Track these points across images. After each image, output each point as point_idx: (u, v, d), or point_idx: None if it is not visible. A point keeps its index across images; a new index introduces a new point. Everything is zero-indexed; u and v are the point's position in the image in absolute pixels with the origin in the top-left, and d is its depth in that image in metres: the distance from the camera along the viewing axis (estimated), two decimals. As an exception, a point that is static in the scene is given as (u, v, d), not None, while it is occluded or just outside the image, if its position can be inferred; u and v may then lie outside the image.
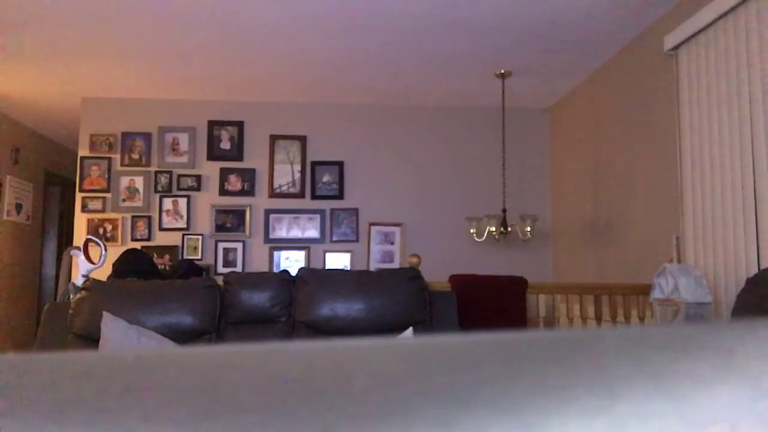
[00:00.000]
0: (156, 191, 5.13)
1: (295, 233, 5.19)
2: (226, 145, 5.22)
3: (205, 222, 5.14)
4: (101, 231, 5.02)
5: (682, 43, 3.23)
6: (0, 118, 5.58)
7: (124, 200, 5.10)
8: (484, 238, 4.43)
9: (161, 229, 5.09)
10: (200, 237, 5.09)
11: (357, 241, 5.21)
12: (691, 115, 3.16)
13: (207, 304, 2.77)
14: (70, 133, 6.12)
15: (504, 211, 4.38)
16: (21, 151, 5.97)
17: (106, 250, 3.37)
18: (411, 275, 2.97)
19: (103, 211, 5.07)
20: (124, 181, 5.12)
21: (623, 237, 4.10)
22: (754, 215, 2.69)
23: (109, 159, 5.13)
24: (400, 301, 2.83)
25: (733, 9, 2.81)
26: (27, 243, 6.15)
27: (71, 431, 0.25)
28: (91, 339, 2.62)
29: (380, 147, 5.34)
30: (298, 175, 5.25)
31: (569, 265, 5.03)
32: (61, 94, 5.07)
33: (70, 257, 3.48)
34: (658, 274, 2.89)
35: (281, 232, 5.17)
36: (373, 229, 5.21)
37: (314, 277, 2.91)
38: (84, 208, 5.07)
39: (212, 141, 5.22)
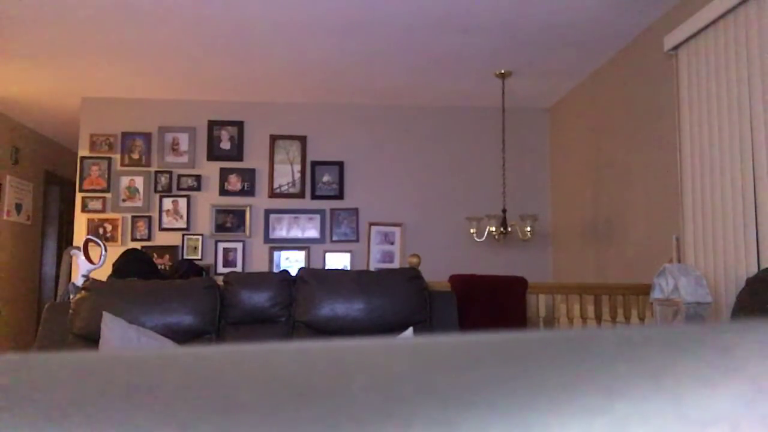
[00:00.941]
0: (156, 191, 5.13)
1: (295, 233, 5.19)
2: (226, 145, 5.22)
3: (205, 222, 5.14)
4: (101, 231, 5.02)
5: (682, 43, 3.23)
6: (0, 118, 5.58)
7: (124, 200, 5.10)
8: (484, 238, 4.43)
9: (161, 229, 5.09)
10: (200, 237, 5.09)
11: (357, 241, 5.21)
12: (691, 115, 3.16)
13: (207, 304, 2.77)
14: (70, 133, 6.12)
15: (504, 211, 4.38)
16: (21, 151, 5.97)
17: (106, 250, 3.37)
18: (411, 275, 2.97)
19: (103, 211, 5.07)
20: (124, 181, 5.12)
21: (623, 237, 4.10)
22: (754, 215, 2.69)
23: (109, 159, 5.13)
24: (400, 301, 2.83)
25: (733, 9, 2.81)
26: (27, 243, 6.15)
27: (71, 431, 0.25)
28: (91, 339, 2.62)
29: (380, 147, 5.34)
30: (298, 175, 5.25)
31: (569, 265, 5.03)
32: (61, 94, 5.07)
33: (70, 257, 3.48)
34: (658, 274, 2.89)
35: (281, 232, 5.17)
36: (373, 229, 5.21)
37: (314, 277, 2.91)
38: (84, 208, 5.07)
39: (212, 141, 5.22)
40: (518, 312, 3.34)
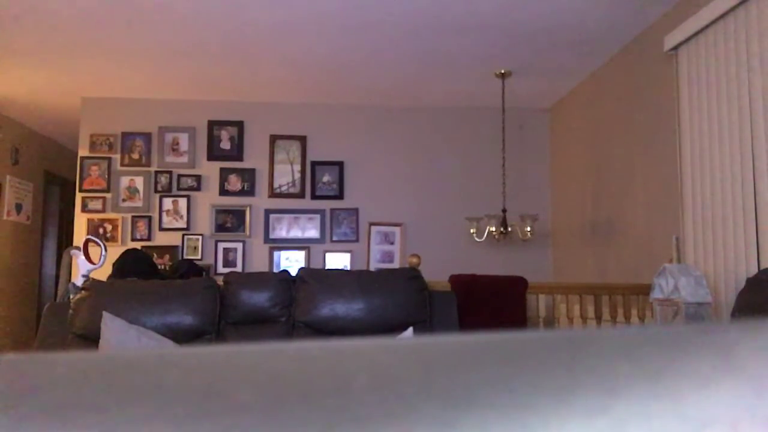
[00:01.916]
0: (156, 191, 5.13)
1: (295, 233, 5.19)
2: (226, 145, 5.22)
3: (205, 222, 5.14)
4: (101, 231, 5.02)
5: (682, 43, 3.23)
6: (0, 118, 5.58)
7: (124, 200, 5.10)
8: (484, 238, 4.43)
9: (161, 229, 5.09)
10: (200, 237, 5.09)
11: (357, 241, 5.21)
12: (691, 115, 3.16)
13: (207, 304, 2.77)
14: (70, 133, 6.12)
15: (504, 211, 4.38)
16: (21, 151, 5.97)
17: (106, 250, 3.37)
18: (411, 275, 2.97)
19: (103, 211, 5.07)
20: (124, 181, 5.12)
21: (623, 237, 4.10)
22: (754, 215, 2.69)
23: (109, 159, 5.13)
24: (400, 301, 2.83)
25: (733, 9, 2.81)
26: (27, 243, 6.15)
27: (71, 431, 0.25)
28: (91, 339, 2.62)
29: (380, 147, 5.34)
30: (298, 175, 5.25)
31: (569, 265, 5.03)
32: (61, 94, 5.07)
33: (70, 257, 3.48)
34: (658, 274, 2.89)
35: (281, 232, 5.17)
36: (373, 229, 5.21)
37: (314, 277, 2.91)
38: (84, 208, 5.07)
39: (212, 141, 5.22)
40: (518, 312, 3.34)
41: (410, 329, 2.66)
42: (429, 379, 0.27)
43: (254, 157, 5.24)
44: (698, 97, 3.09)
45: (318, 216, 5.21)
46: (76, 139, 5.70)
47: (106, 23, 3.73)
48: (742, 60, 2.76)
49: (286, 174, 5.24)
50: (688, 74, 3.19)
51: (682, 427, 0.25)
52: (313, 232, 5.19)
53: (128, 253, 3.82)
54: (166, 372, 0.28)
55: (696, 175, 3.11)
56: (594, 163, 4.60)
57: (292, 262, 5.13)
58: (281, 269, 4.03)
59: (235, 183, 5.19)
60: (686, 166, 3.20)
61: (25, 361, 0.30)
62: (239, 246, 5.12)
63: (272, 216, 5.18)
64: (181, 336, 2.66)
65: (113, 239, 5.01)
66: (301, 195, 5.23)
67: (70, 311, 2.72)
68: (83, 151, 5.12)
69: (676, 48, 3.30)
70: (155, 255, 4.92)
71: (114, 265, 3.67)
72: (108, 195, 5.09)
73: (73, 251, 3.36)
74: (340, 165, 5.27)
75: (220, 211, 5.14)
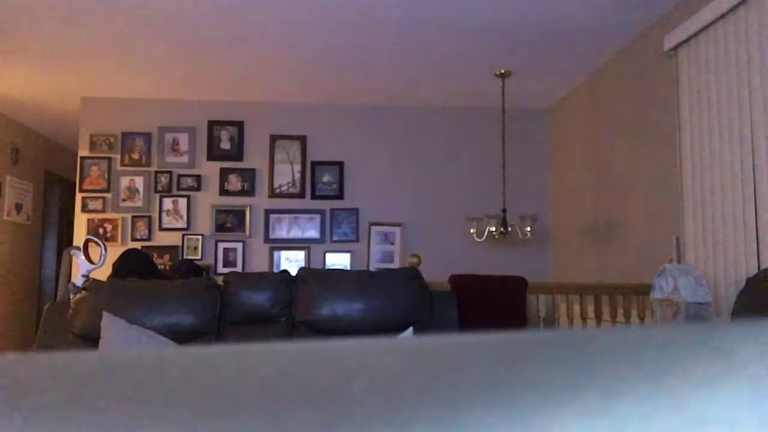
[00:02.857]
0: (156, 191, 5.13)
1: (295, 233, 5.19)
2: (226, 145, 5.22)
3: (205, 222, 5.14)
4: (101, 231, 5.02)
5: (682, 43, 3.23)
6: (0, 118, 5.58)
7: (124, 200, 5.10)
8: (484, 238, 4.43)
9: (161, 229, 5.09)
10: (200, 237, 5.09)
11: (357, 241, 5.21)
12: (691, 115, 3.16)
13: (207, 304, 2.77)
14: (70, 133, 6.13)
15: (504, 211, 4.38)
16: (21, 151, 5.97)
17: (106, 250, 3.37)
18: (411, 275, 2.97)
19: (103, 211, 5.07)
20: (124, 181, 5.12)
21: (623, 237, 4.10)
22: (754, 215, 2.69)
23: (109, 159, 5.13)
24: (400, 301, 2.83)
25: (733, 9, 2.81)
26: (27, 243, 6.15)
27: (71, 431, 0.25)
28: (91, 339, 2.62)
29: (380, 147, 5.34)
30: (298, 175, 5.25)
31: (569, 265, 5.03)
32: (61, 94, 5.07)
33: (70, 257, 3.48)
34: (658, 274, 2.89)
35: (281, 232, 5.17)
36: (373, 229, 5.21)
37: (314, 277, 2.91)
38: (84, 208, 5.07)
39: (212, 141, 5.22)
40: (518, 312, 3.34)
41: (410, 329, 2.66)
42: (429, 379, 0.27)
43: (254, 157, 5.24)
44: (698, 97, 3.09)
45: (318, 216, 5.21)
46: (76, 139, 5.71)
47: (106, 23, 3.73)
48: (742, 60, 2.76)
49: (286, 174, 5.24)
50: (688, 74, 3.19)
51: (682, 427, 0.25)
52: (313, 232, 5.19)
53: (128, 253, 3.82)
54: (166, 372, 0.28)
55: (696, 175, 3.11)
56: (594, 163, 4.60)
57: (292, 262, 5.13)
58: (281, 269, 4.03)
59: (235, 183, 5.19)
60: (686, 166, 3.20)
61: (25, 361, 0.30)
62: (239, 246, 5.12)
63: (272, 216, 5.18)
64: (181, 336, 2.66)
65: (113, 239, 5.01)
66: (301, 195, 5.23)
67: (70, 311, 2.72)
68: (83, 151, 5.12)
69: (676, 48, 3.30)
70: (155, 255, 4.92)
71: (114, 265, 3.67)
72: (108, 195, 5.09)
73: (73, 251, 3.36)
74: (340, 165, 5.27)
75: (220, 211, 5.14)
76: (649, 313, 3.27)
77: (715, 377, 0.26)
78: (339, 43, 4.06)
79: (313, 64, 4.43)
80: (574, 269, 4.90)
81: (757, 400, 0.25)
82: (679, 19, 3.32)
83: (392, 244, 5.21)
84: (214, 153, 5.21)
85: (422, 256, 3.86)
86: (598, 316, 3.43)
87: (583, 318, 3.50)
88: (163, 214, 5.11)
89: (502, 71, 4.51)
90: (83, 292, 2.75)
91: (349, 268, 5.09)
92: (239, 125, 5.24)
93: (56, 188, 6.75)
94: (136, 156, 5.15)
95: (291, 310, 2.89)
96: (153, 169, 5.15)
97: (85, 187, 5.09)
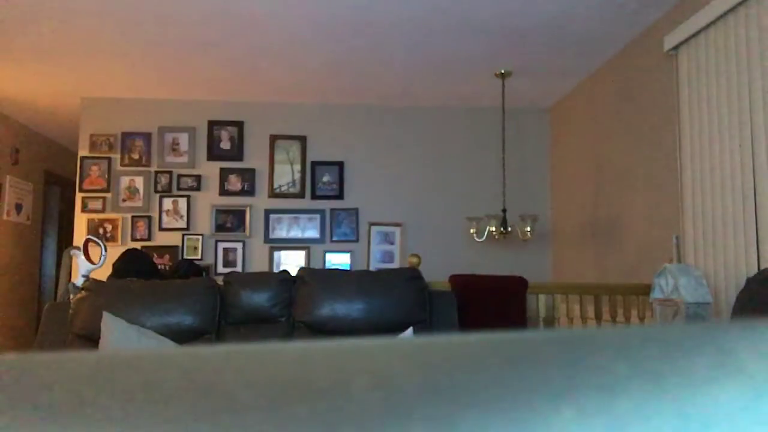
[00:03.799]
0: (156, 191, 5.13)
1: (295, 233, 5.19)
2: (226, 145, 5.22)
3: (205, 222, 5.14)
4: (101, 231, 5.02)
5: (682, 43, 3.23)
6: (0, 118, 5.58)
7: (124, 200, 5.10)
8: (484, 238, 4.43)
9: (161, 229, 5.09)
10: (200, 237, 5.09)
11: (357, 241, 5.21)
12: (691, 115, 3.16)
13: (207, 304, 2.77)
14: (70, 133, 6.13)
15: (504, 211, 4.38)
16: (21, 151, 5.97)
17: (106, 250, 3.37)
18: (411, 275, 2.97)
19: (103, 211, 5.07)
20: (124, 181, 5.12)
21: (623, 237, 4.10)
22: (754, 215, 2.69)
23: (109, 159, 5.13)
24: (400, 301, 2.83)
25: (733, 9, 2.81)
26: (27, 243, 6.15)
27: (71, 431, 0.25)
28: (91, 339, 2.62)
29: (380, 147, 5.34)
30: (298, 175, 5.25)
31: (569, 265, 5.03)
32: (61, 94, 5.07)
33: (70, 257, 3.48)
34: (658, 274, 2.89)
35: (281, 232, 5.18)
36: (373, 229, 5.21)
37: (314, 277, 2.91)
38: (84, 208, 5.07)
39: (212, 141, 5.22)
40: (518, 312, 3.34)
41: (410, 329, 2.66)
42: (429, 379, 0.27)
43: (254, 157, 5.24)
44: (698, 97, 3.09)
45: (318, 216, 5.21)
46: (76, 139, 5.71)
47: (106, 23, 3.73)
48: (742, 60, 2.76)
49: (286, 174, 5.24)
50: (688, 74, 3.19)
51: (682, 427, 0.25)
52: (313, 232, 5.19)
53: (128, 253, 3.83)
54: (166, 372, 0.28)
55: (696, 175, 3.11)
56: (594, 163, 4.60)
57: (292, 262, 5.13)
58: (281, 269, 4.03)
59: (235, 183, 5.19)
60: (686, 165, 3.20)
61: (25, 361, 0.30)
62: (239, 246, 5.12)
63: (272, 216, 5.18)
64: (181, 336, 2.66)
65: (113, 239, 5.01)
66: (301, 195, 5.23)
67: (70, 311, 2.72)
68: (83, 151, 5.12)
69: (676, 48, 3.30)
70: (155, 255, 4.92)
71: (114, 265, 3.67)
72: (108, 195, 5.09)
73: (73, 251, 3.36)
74: (340, 165, 5.27)
75: (220, 211, 5.14)
76: (649, 313, 3.27)
77: (715, 377, 0.26)
78: (339, 44, 4.06)
79: (312, 64, 4.43)
80: (574, 269, 4.90)
81: (757, 400, 0.25)
82: (679, 19, 3.32)
83: (392, 244, 5.21)
84: (214, 153, 5.21)
85: (422, 256, 3.86)
86: (598, 316, 3.43)
87: (583, 318, 3.50)
88: (163, 214, 5.11)
89: (502, 71, 4.51)
90: (83, 292, 2.75)
91: (349, 268, 5.09)
92: (239, 125, 5.24)
93: (56, 188, 6.75)
94: (136, 156, 5.15)
95: (291, 310, 2.89)
96: (153, 169, 5.15)
97: (85, 187, 5.09)
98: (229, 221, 5.14)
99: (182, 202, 5.11)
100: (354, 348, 0.30)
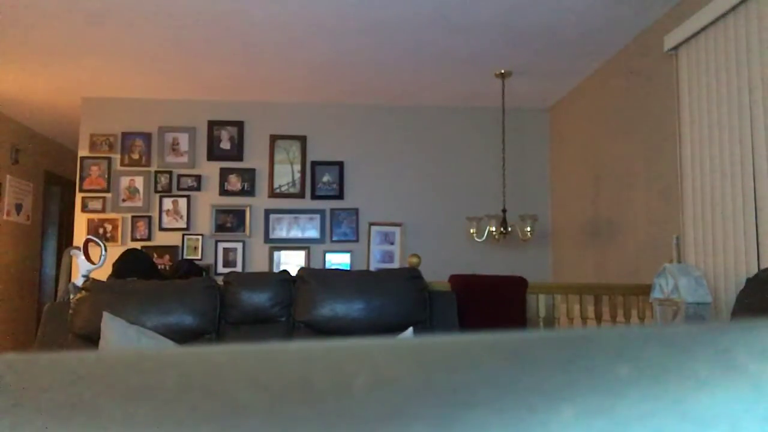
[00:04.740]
0: (156, 191, 5.13)
1: (295, 233, 5.19)
2: (226, 145, 5.22)
3: (205, 222, 5.14)
4: (101, 231, 5.02)
5: (682, 43, 3.23)
6: (0, 118, 5.58)
7: (124, 200, 5.10)
8: (484, 238, 4.43)
9: (161, 229, 5.09)
10: (200, 237, 5.09)
11: (357, 241, 5.21)
12: (691, 115, 3.16)
13: (207, 304, 2.77)
14: (70, 133, 6.13)
15: (504, 211, 4.38)
16: (21, 151, 5.97)
17: (106, 250, 3.37)
18: (411, 275, 2.97)
19: (103, 211, 5.07)
20: (124, 181, 5.12)
21: (623, 237, 4.10)
22: (754, 215, 2.69)
23: (109, 159, 5.13)
24: (400, 301, 2.83)
25: (733, 9, 2.81)
26: (27, 243, 6.15)
27: (71, 431, 0.25)
28: (91, 339, 2.62)
29: (380, 147, 5.34)
30: (298, 175, 5.25)
31: (569, 265, 5.03)
32: (61, 94, 5.07)
33: (70, 257, 3.48)
34: (658, 274, 2.89)
35: (281, 232, 5.17)
36: (373, 229, 5.21)
37: (314, 277, 2.91)
38: (84, 208, 5.07)
39: (212, 141, 5.22)
40: (518, 312, 3.34)
41: (410, 329, 2.66)
42: (429, 379, 0.27)
43: (254, 157, 5.24)
44: (698, 97, 3.09)
45: (318, 216, 5.21)
46: (76, 139, 5.71)
47: (106, 23, 3.73)
48: (742, 60, 2.76)
49: (286, 174, 5.24)
50: (688, 74, 3.19)
51: (682, 427, 0.25)
52: (313, 232, 5.19)
53: (128, 253, 3.83)
54: (166, 372, 0.28)
55: (696, 175, 3.11)
56: (594, 163, 4.60)
57: (292, 262, 5.13)
58: (281, 269, 4.03)
59: (235, 183, 5.19)
60: (686, 166, 3.20)
61: (25, 361, 0.30)
62: (239, 246, 5.12)
63: (272, 216, 5.18)
64: (181, 336, 2.66)
65: (113, 239, 5.01)
66: (301, 195, 5.23)
67: (70, 311, 2.72)
68: (83, 151, 5.13)
69: (676, 48, 3.30)
70: (155, 255, 4.92)
71: (114, 265, 3.67)
72: (108, 195, 5.09)
73: (73, 251, 3.36)
74: (340, 165, 5.27)
75: (220, 211, 5.14)
76: (649, 313, 3.27)
77: (715, 377, 0.26)
78: (339, 43, 4.06)
79: (313, 64, 4.43)
80: (574, 269, 4.90)
81: (757, 400, 0.25)
82: (679, 19, 3.32)
83: (392, 244, 5.21)
84: (214, 153, 5.21)
85: (422, 256, 3.86)
86: (598, 316, 3.43)
87: (583, 318, 3.50)
88: (163, 214, 5.11)
89: (502, 71, 4.51)
90: (83, 292, 2.75)
91: (349, 268, 5.09)
92: (239, 125, 5.24)
93: (56, 188, 6.75)
94: (136, 156, 5.15)
95: (291, 310, 2.89)
96: (153, 169, 5.15)
97: (85, 187, 5.09)
98: (229, 221, 5.14)
99: (182, 202, 5.11)
100: (354, 348, 0.30)
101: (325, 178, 5.26)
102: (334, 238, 5.20)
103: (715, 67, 2.95)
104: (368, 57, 4.30)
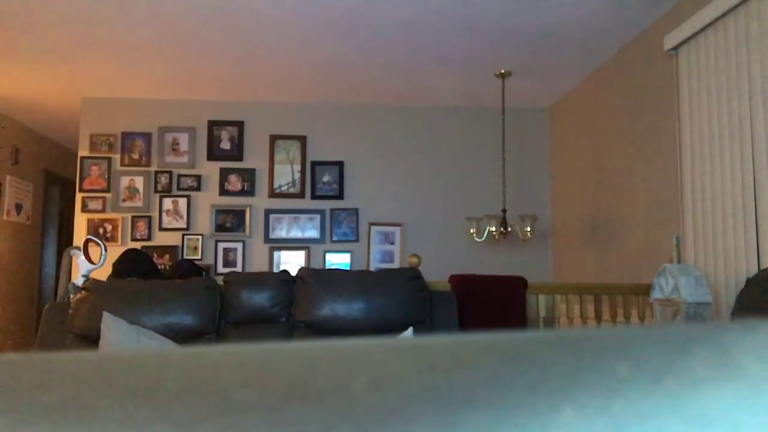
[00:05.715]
0: (156, 191, 5.13)
1: (295, 233, 5.19)
2: (226, 145, 5.22)
3: (205, 222, 5.14)
4: (101, 231, 5.02)
5: (682, 43, 3.23)
6: (0, 118, 5.58)
7: (124, 200, 5.10)
8: (484, 238, 4.43)
9: (161, 229, 5.09)
10: (200, 237, 5.09)
11: (357, 241, 5.21)
12: (691, 115, 3.16)
13: (207, 304, 2.77)
14: (70, 133, 6.12)
15: (504, 211, 4.38)
16: (21, 151, 5.97)
17: (106, 250, 3.37)
18: (411, 275, 2.97)
19: (103, 211, 5.07)
20: (124, 181, 5.12)
21: (623, 237, 4.10)
22: (754, 215, 2.69)
23: (109, 159, 5.13)
24: (400, 301, 2.83)
25: (733, 9, 2.81)
26: (27, 243, 6.15)
27: (71, 431, 0.25)
28: (91, 339, 2.62)
29: (380, 147, 5.34)
30: (298, 175, 5.25)
31: (569, 265, 5.03)
32: (61, 94, 5.07)
33: (70, 257, 3.48)
34: (658, 274, 2.89)
35: (281, 232, 5.17)
36: (373, 229, 5.21)
37: (314, 277, 2.91)
38: (84, 208, 5.07)
39: (212, 141, 5.22)
40: (518, 312, 3.34)
41: (410, 329, 2.66)
42: (429, 379, 0.27)
43: (254, 157, 5.24)
44: (698, 97, 3.09)
45: (318, 216, 5.21)
46: (76, 139, 5.70)
47: (106, 23, 3.73)
48: (742, 60, 2.76)
49: (286, 174, 5.24)
50: (688, 74, 3.19)
51: (682, 427, 0.25)
52: (313, 232, 5.19)
53: (128, 253, 3.82)
54: (166, 372, 0.28)
55: (696, 175, 3.11)
56: (594, 163, 4.60)
57: (292, 262, 5.13)
58: (281, 269, 4.03)
59: (235, 183, 5.19)
60: (686, 166, 3.20)
61: (25, 361, 0.30)
62: (239, 246, 5.12)
63: (272, 216, 5.18)
64: (181, 336, 2.66)
65: (113, 239, 5.01)
66: (301, 195, 5.23)
67: (70, 311, 2.72)
68: (83, 151, 5.13)
69: (676, 48, 3.30)
70: (155, 255, 4.92)
71: (114, 265, 3.67)
72: (108, 195, 5.09)
73: (73, 251, 3.36)
74: (340, 165, 5.27)
75: (220, 211, 5.14)
76: (649, 313, 3.27)
77: (715, 377, 0.26)
78: (339, 43, 4.06)
79: (313, 64, 4.43)
80: (574, 269, 4.90)
81: (757, 400, 0.25)
82: (679, 19, 3.32)
83: (392, 244, 5.21)
84: (214, 153, 5.21)
85: (422, 256, 3.86)
86: (598, 316, 3.43)
87: (583, 318, 3.50)
88: (163, 214, 5.11)
89: (502, 71, 4.51)
90: (83, 292, 2.75)
91: (349, 268, 5.09)
92: (239, 125, 5.24)
93: (56, 188, 6.75)
94: (136, 156, 5.15)
95: (291, 310, 2.89)
96: (153, 169, 5.15)
97: (85, 187, 5.09)
98: (229, 221, 5.14)
99: (182, 202, 5.11)
100: (354, 348, 0.30)
101: (325, 178, 5.26)
102: (334, 238, 5.20)
103: (715, 67, 2.95)
104: (368, 57, 4.30)
